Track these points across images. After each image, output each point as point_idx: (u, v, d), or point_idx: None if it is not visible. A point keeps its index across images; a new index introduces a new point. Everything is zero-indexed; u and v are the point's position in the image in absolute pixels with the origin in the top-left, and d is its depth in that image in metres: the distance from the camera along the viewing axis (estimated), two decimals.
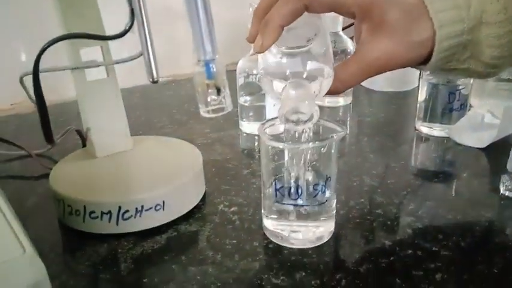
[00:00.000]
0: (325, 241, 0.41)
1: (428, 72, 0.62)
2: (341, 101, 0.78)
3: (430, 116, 0.64)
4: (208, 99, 0.34)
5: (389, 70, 0.36)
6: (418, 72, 0.65)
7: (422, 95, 0.65)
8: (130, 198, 0.42)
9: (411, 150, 0.62)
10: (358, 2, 0.35)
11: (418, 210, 0.46)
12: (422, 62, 0.36)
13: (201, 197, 0.48)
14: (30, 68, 0.44)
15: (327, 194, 0.40)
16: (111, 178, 0.46)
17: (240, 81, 0.65)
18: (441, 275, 0.37)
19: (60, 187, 0.44)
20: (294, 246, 0.40)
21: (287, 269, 0.38)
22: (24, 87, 0.50)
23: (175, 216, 0.45)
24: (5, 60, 0.77)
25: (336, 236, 0.42)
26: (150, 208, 0.43)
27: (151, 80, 0.35)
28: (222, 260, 0.39)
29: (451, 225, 0.44)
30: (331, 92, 0.36)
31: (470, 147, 0.60)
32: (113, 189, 0.44)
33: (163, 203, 0.43)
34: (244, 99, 0.66)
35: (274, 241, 0.41)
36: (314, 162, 0.40)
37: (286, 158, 0.39)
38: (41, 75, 0.44)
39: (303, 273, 0.37)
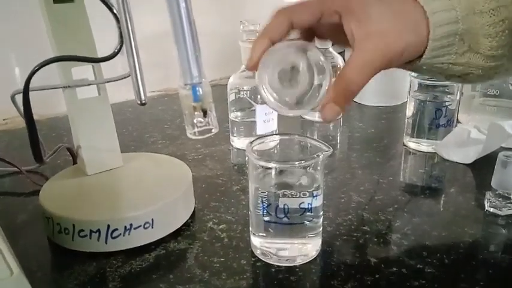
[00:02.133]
0: (311, 258, 0.42)
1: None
2: None
3: (418, 131, 0.65)
4: (195, 121, 0.35)
5: (393, 59, 0.35)
6: (407, 87, 0.66)
7: (410, 111, 0.66)
8: (119, 216, 0.43)
9: (399, 166, 0.63)
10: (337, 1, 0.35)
11: (404, 227, 0.47)
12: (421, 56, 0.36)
13: (190, 214, 0.49)
14: (22, 85, 0.44)
15: (314, 211, 0.40)
16: (100, 196, 0.47)
17: (231, 97, 0.66)
18: None
19: (49, 205, 0.44)
20: (281, 264, 0.41)
21: (274, 287, 0.38)
22: (16, 105, 0.50)
23: (164, 234, 0.45)
24: None
25: (323, 253, 0.43)
26: (139, 226, 0.43)
27: (139, 102, 0.35)
28: (210, 279, 0.40)
29: (436, 242, 0.44)
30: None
31: (457, 162, 0.61)
32: (102, 208, 0.44)
33: (152, 221, 0.44)
34: (235, 115, 0.67)
35: (262, 259, 0.42)
36: (301, 181, 0.41)
37: (273, 176, 0.40)
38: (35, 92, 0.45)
39: None
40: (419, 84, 0.64)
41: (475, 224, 0.48)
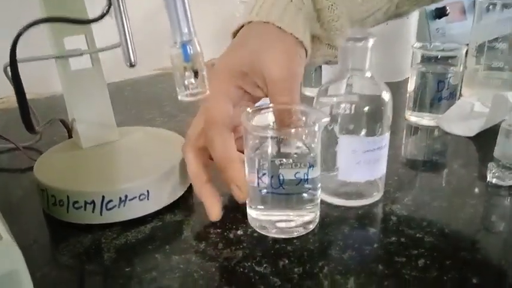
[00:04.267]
0: (309, 230, 0.41)
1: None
2: None
3: (419, 105, 0.63)
4: (186, 83, 0.34)
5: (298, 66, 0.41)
6: (409, 61, 0.65)
7: (411, 85, 0.64)
8: (113, 187, 0.42)
9: (401, 141, 0.62)
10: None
11: (404, 198, 0.46)
12: None
13: (187, 187, 0.48)
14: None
15: (311, 182, 0.40)
16: (95, 168, 0.46)
17: None
18: (424, 260, 0.37)
19: (44, 177, 0.44)
20: (278, 236, 0.40)
21: (270, 257, 0.38)
22: (8, 78, 0.49)
23: (161, 206, 0.44)
24: None
25: (320, 225, 0.42)
26: (134, 198, 0.43)
27: (128, 64, 0.34)
28: (206, 249, 0.39)
29: (437, 213, 0.44)
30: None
31: (459, 136, 0.60)
32: (97, 179, 0.44)
33: (148, 192, 0.43)
34: None
35: (259, 231, 0.41)
36: (297, 151, 0.40)
37: (269, 146, 0.39)
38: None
39: (286, 261, 0.37)
40: (422, 56, 0.62)
41: (477, 196, 0.47)
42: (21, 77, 0.47)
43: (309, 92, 0.77)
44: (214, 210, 0.40)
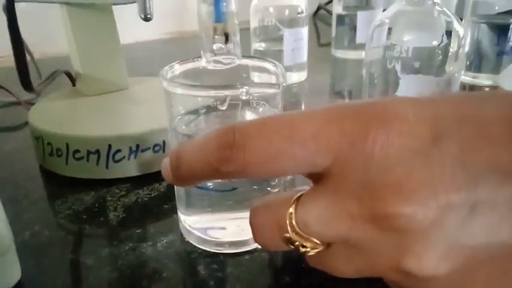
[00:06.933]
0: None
1: None
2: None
3: (475, 63, 0.55)
4: (214, 47, 0.27)
5: None
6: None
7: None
8: (122, 134, 0.34)
9: None
10: None
11: None
12: None
13: None
14: None
15: None
16: (101, 115, 0.39)
17: (254, 23, 0.57)
18: None
19: (39, 122, 0.36)
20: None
21: None
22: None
23: None
24: None
25: None
26: (148, 149, 0.35)
27: (143, 16, 0.28)
28: None
29: None
30: None
31: None
32: (102, 125, 0.36)
33: (164, 143, 0.36)
34: (258, 45, 0.58)
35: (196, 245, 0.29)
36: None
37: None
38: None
39: None
40: (474, 3, 0.54)
41: None
42: (25, 36, 0.40)
43: (341, 54, 0.69)
44: None
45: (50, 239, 0.29)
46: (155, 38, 0.87)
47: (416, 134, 0.15)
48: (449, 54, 0.36)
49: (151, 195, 0.34)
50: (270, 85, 0.27)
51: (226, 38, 0.28)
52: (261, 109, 0.26)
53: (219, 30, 0.28)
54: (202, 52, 0.28)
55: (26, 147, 0.41)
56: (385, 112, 0.16)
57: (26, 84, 0.39)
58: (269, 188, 0.28)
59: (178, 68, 0.28)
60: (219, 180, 0.26)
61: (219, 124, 0.24)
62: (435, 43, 0.34)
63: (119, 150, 0.34)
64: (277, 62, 0.27)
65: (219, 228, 0.28)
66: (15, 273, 0.22)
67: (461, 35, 0.35)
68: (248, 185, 0.27)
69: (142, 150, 0.35)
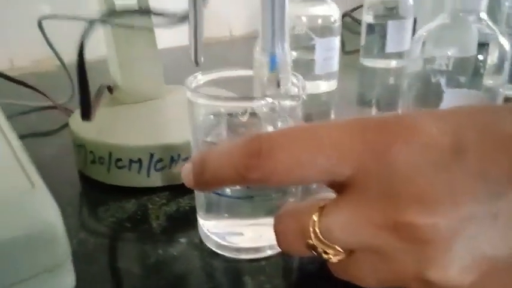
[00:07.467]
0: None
1: None
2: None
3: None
4: (267, 93, 0.28)
5: None
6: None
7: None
8: (165, 144, 0.35)
9: None
10: None
11: None
12: None
13: None
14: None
15: None
16: (142, 124, 0.39)
17: None
18: None
19: (81, 130, 0.37)
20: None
21: None
22: (43, 32, 0.43)
23: None
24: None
25: None
26: (189, 158, 0.35)
27: (193, 60, 0.32)
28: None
29: None
30: None
31: None
32: (144, 135, 0.37)
33: None
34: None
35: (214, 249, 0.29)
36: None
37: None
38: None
39: None
40: (508, 15, 0.53)
41: None
42: (57, 39, 0.40)
43: (369, 62, 0.69)
44: None
45: (96, 247, 0.30)
46: (177, 44, 0.87)
47: (438, 146, 0.16)
48: (492, 67, 0.35)
49: (192, 204, 0.34)
50: (292, 97, 0.27)
51: (278, 84, 0.29)
52: (281, 120, 0.27)
53: (272, 78, 0.28)
54: (254, 93, 0.29)
55: (65, 153, 0.42)
56: (408, 125, 0.16)
57: (88, 116, 0.38)
58: (285, 196, 0.28)
59: (201, 78, 0.29)
60: (237, 187, 0.26)
61: (240, 133, 0.26)
62: (480, 57, 0.34)
63: (160, 160, 0.35)
64: (298, 74, 0.28)
65: (236, 234, 0.28)
66: (70, 281, 0.23)
67: (507, 49, 0.35)
68: (265, 193, 0.27)
69: (184, 159, 0.35)
